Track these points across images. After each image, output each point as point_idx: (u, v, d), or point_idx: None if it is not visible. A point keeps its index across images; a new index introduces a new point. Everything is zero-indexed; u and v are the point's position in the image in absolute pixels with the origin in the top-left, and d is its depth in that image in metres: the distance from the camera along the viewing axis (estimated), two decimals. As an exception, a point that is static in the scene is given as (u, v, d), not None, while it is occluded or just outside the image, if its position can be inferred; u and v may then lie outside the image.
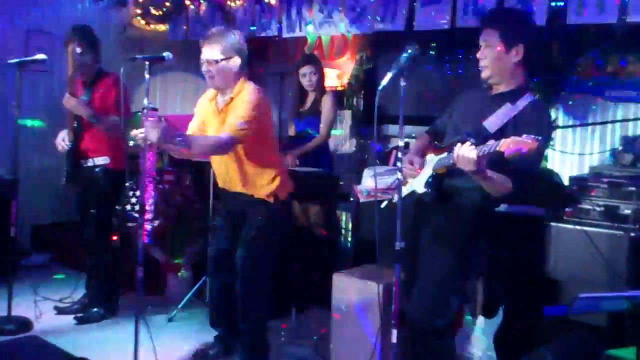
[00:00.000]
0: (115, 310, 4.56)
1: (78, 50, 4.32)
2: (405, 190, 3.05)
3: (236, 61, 3.54)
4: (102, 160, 4.41)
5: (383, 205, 3.18)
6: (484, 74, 2.95)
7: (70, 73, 4.35)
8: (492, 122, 2.87)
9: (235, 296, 3.68)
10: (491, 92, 3.01)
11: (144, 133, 3.09)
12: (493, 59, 2.89)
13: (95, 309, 4.53)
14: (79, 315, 4.53)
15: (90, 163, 4.44)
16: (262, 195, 3.64)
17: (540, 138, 2.38)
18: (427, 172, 3.00)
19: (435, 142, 3.16)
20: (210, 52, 3.51)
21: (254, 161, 3.59)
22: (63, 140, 4.40)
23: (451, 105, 3.24)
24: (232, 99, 3.56)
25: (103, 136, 4.36)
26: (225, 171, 3.69)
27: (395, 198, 3.13)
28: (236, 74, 3.57)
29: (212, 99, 3.69)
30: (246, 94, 3.54)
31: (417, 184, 3.02)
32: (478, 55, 2.95)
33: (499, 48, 2.87)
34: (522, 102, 2.86)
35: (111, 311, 4.53)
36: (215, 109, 3.65)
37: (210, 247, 3.83)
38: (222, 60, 3.50)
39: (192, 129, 3.77)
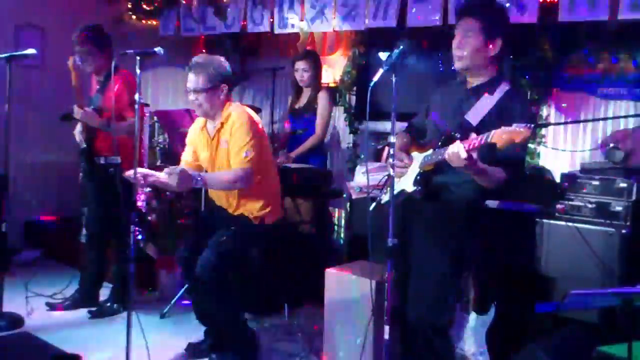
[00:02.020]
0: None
1: (77, 58, 4.33)
2: (396, 189, 3.04)
3: (223, 88, 3.55)
4: (114, 160, 4.40)
5: (372, 207, 3.15)
6: (461, 64, 2.92)
7: (74, 84, 4.32)
8: (474, 115, 2.87)
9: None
10: (467, 86, 3.00)
11: (165, 180, 3.33)
12: (473, 50, 2.87)
13: (109, 303, 4.56)
14: (93, 309, 4.55)
15: (102, 161, 4.44)
16: (248, 214, 3.66)
17: (531, 125, 2.39)
18: (414, 170, 3.00)
19: (419, 140, 3.15)
20: (196, 81, 3.50)
21: (253, 188, 3.60)
22: (80, 133, 4.44)
23: (426, 102, 3.22)
24: (222, 124, 3.58)
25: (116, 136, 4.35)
26: (223, 194, 3.69)
27: (384, 199, 3.13)
28: (223, 100, 3.59)
29: (203, 128, 3.70)
30: (236, 118, 3.54)
31: (406, 183, 3.01)
32: (456, 44, 2.92)
33: (479, 39, 2.85)
34: (500, 92, 2.87)
35: (124, 305, 4.50)
36: (207, 137, 3.66)
37: (183, 248, 3.77)
38: (208, 89, 3.49)
39: (185, 160, 3.81)
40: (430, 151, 2.92)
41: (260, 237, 3.75)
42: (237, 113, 3.57)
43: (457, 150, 2.55)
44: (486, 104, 2.86)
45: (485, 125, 2.80)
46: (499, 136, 2.40)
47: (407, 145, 3.13)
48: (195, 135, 3.78)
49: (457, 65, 2.93)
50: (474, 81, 2.97)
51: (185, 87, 3.56)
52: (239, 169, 3.51)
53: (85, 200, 4.71)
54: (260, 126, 3.66)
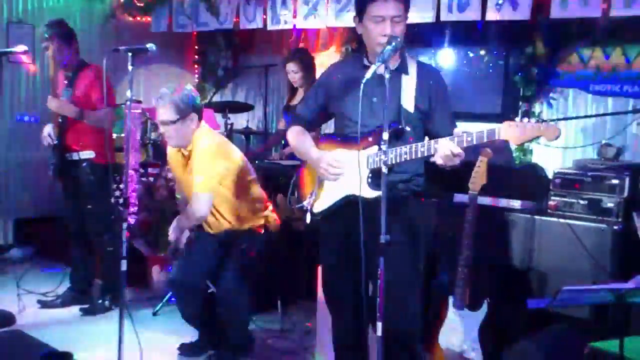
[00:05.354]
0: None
1: (55, 49, 4.30)
2: (334, 196, 2.85)
3: (192, 117, 3.53)
4: (87, 155, 4.39)
5: (308, 220, 2.98)
6: (391, 54, 2.55)
7: (52, 74, 4.31)
8: (406, 100, 2.74)
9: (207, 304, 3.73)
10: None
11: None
12: (402, 33, 2.67)
13: (100, 300, 4.54)
14: (85, 307, 4.53)
15: (75, 157, 4.42)
16: (250, 226, 3.69)
17: (552, 123, 2.40)
18: (360, 172, 2.65)
19: (312, 131, 3.03)
20: (165, 113, 3.48)
21: (238, 200, 3.64)
22: (49, 135, 4.39)
23: (318, 90, 2.99)
24: (190, 152, 3.60)
25: (88, 130, 4.33)
26: (213, 212, 3.67)
27: (316, 208, 2.96)
28: (194, 129, 3.57)
29: (179, 150, 3.69)
30: (197, 145, 3.55)
31: (354, 188, 2.71)
32: (387, 32, 2.62)
33: (405, 22, 2.70)
34: (412, 69, 2.79)
35: (116, 302, 4.48)
36: (182, 158, 3.67)
37: (173, 270, 3.77)
38: (178, 120, 3.47)
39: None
40: (374, 148, 2.68)
41: (270, 244, 3.82)
42: (200, 141, 3.56)
43: (453, 149, 2.45)
44: (410, 85, 2.75)
45: (420, 110, 2.74)
46: (510, 132, 2.35)
47: (316, 141, 2.95)
48: (173, 155, 3.78)
49: (389, 55, 2.53)
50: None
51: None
52: (193, 194, 3.51)
53: (64, 196, 4.65)
54: (229, 150, 3.64)
